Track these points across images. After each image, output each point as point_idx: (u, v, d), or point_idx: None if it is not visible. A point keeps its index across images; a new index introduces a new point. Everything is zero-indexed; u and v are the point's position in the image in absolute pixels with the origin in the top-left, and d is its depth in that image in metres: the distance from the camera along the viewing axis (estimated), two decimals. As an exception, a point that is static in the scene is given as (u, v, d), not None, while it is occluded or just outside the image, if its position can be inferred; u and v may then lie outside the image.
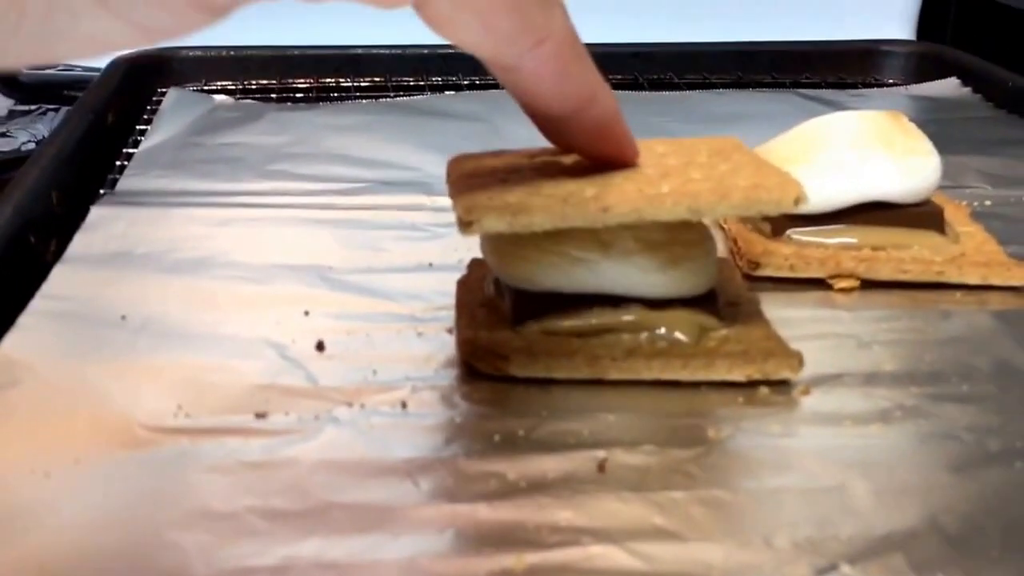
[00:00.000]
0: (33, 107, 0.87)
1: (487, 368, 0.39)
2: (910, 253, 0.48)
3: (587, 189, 0.37)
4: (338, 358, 0.40)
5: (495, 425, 0.36)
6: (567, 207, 0.36)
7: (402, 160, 0.63)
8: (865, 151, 0.48)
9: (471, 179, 0.39)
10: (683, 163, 0.39)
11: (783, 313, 0.44)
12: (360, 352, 0.41)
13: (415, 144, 0.65)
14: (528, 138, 0.58)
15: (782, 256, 0.48)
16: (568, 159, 0.40)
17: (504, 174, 0.39)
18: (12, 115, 0.86)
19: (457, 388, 0.38)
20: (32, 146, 0.79)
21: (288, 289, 0.46)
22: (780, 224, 0.49)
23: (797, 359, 0.39)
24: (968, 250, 0.48)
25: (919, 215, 0.49)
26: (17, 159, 0.73)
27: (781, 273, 0.47)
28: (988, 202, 0.57)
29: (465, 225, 0.35)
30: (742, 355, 0.39)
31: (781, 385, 0.39)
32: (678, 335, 0.39)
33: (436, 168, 0.60)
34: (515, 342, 0.39)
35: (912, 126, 0.50)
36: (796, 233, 0.49)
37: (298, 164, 0.62)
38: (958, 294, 0.47)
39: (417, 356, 0.41)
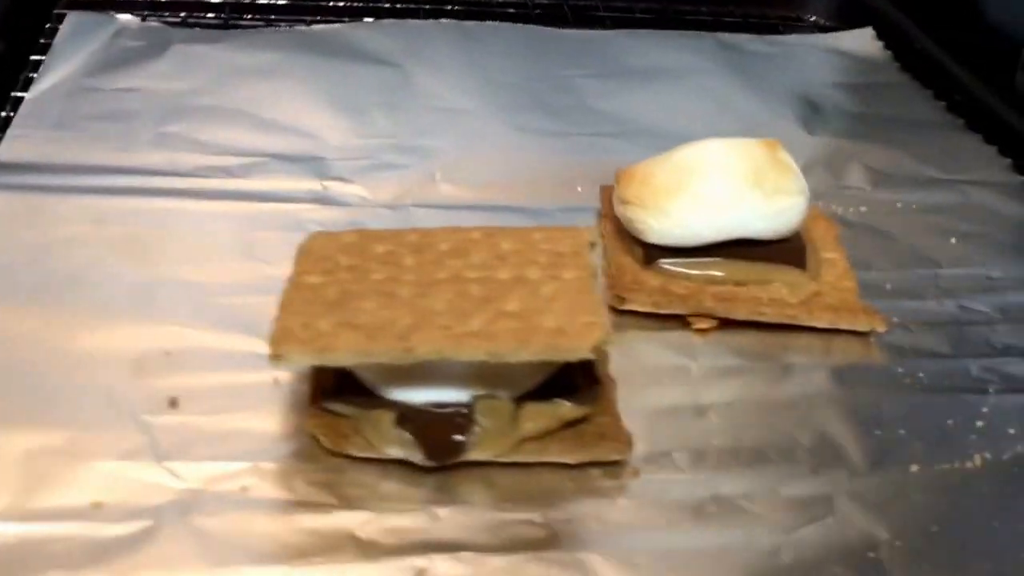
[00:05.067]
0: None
1: (329, 445, 0.41)
2: (768, 292, 0.50)
3: (404, 318, 0.39)
4: (188, 425, 0.41)
5: (328, 522, 0.38)
6: (372, 344, 0.38)
7: (304, 124, 0.63)
8: (736, 189, 0.49)
9: (307, 290, 0.41)
10: (512, 278, 0.41)
11: (636, 364, 0.47)
12: (211, 411, 0.42)
13: (320, 101, 0.65)
14: (435, 93, 0.64)
15: (648, 290, 0.50)
16: (418, 259, 0.42)
17: (343, 283, 0.41)
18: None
19: (299, 467, 0.40)
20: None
21: (155, 317, 0.46)
22: (651, 252, 0.51)
23: (626, 442, 0.41)
24: (824, 288, 0.51)
25: (782, 251, 0.51)
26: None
27: (645, 309, 0.50)
28: (863, 208, 0.59)
29: (273, 358, 0.37)
30: (575, 438, 0.41)
31: (613, 466, 0.41)
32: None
33: (337, 138, 0.61)
34: (363, 422, 0.41)
35: (785, 159, 0.51)
36: (665, 263, 0.51)
37: (194, 125, 0.61)
38: (808, 337, 0.49)
39: (268, 416, 0.42)
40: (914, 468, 0.43)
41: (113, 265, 0.49)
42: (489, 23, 0.77)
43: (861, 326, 0.49)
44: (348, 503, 0.39)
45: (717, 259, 0.51)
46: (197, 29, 0.73)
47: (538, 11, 0.81)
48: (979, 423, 0.45)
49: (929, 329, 0.50)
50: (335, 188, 0.57)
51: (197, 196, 0.55)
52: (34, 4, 0.73)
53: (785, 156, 0.51)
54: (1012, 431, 0.45)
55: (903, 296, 0.52)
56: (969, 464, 0.43)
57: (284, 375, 0.44)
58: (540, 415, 0.41)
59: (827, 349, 0.49)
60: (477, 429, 0.40)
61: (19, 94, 0.63)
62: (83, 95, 0.63)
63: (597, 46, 0.75)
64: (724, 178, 0.50)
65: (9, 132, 0.59)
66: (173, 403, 0.42)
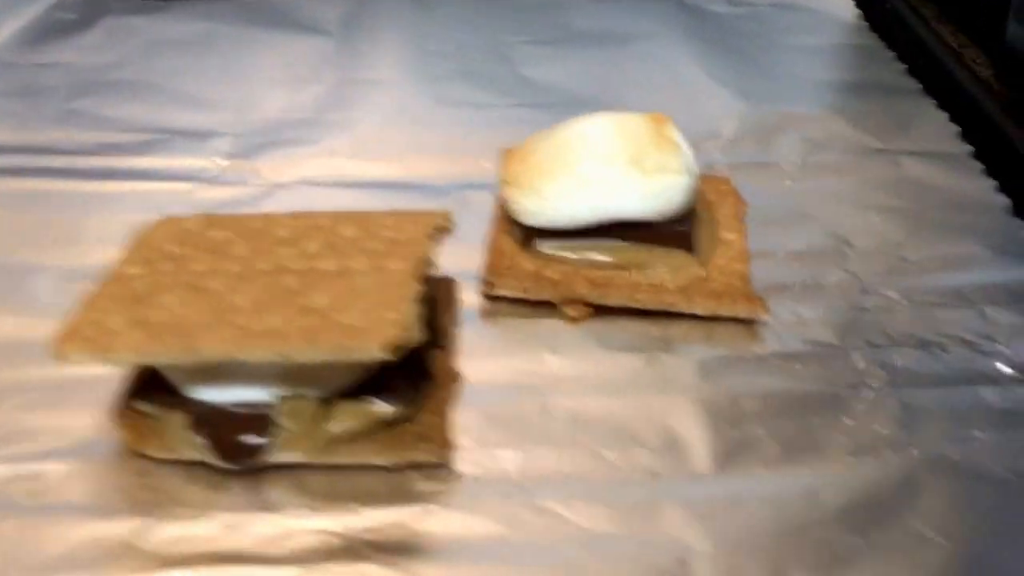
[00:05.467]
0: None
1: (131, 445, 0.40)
2: (648, 277, 0.47)
3: (200, 315, 0.37)
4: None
5: (111, 530, 0.36)
6: (155, 344, 0.36)
7: (216, 98, 0.61)
8: (614, 168, 0.47)
9: (119, 283, 0.39)
10: (335, 269, 0.40)
11: (492, 356, 0.45)
12: (28, 407, 0.41)
13: (240, 74, 0.64)
14: (363, 64, 0.64)
15: (520, 275, 0.47)
16: (250, 247, 0.41)
17: (157, 276, 0.39)
18: None
19: (103, 469, 0.39)
20: None
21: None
22: (529, 235, 0.49)
23: (444, 445, 0.39)
24: (712, 272, 0.48)
25: (668, 233, 0.48)
26: None
27: (515, 295, 0.47)
28: (787, 182, 0.56)
29: (56, 357, 0.36)
30: (391, 439, 0.39)
31: (436, 469, 0.39)
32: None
33: (247, 113, 0.59)
34: (162, 423, 0.40)
35: (673, 136, 0.48)
36: (544, 246, 0.48)
37: (105, 100, 0.61)
38: (689, 325, 0.46)
39: (88, 414, 0.41)
40: (761, 472, 0.40)
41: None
42: (438, -11, 0.74)
43: (743, 313, 0.46)
44: (141, 509, 0.37)
45: (597, 241, 0.48)
46: (137, 0, 0.72)
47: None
48: (848, 422, 0.42)
49: (822, 316, 0.47)
50: (232, 166, 0.56)
51: (86, 176, 0.55)
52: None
53: (672, 132, 0.48)
54: (884, 432, 0.41)
55: (804, 279, 0.49)
56: (824, 470, 0.40)
57: (112, 370, 0.42)
58: (351, 415, 0.39)
59: (707, 338, 0.46)
60: (280, 430, 0.38)
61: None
62: (2, 71, 0.63)
63: (547, 10, 0.72)
64: (601, 157, 0.47)
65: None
66: None
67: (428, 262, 0.42)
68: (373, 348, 0.36)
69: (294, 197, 0.54)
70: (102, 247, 0.48)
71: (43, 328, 0.39)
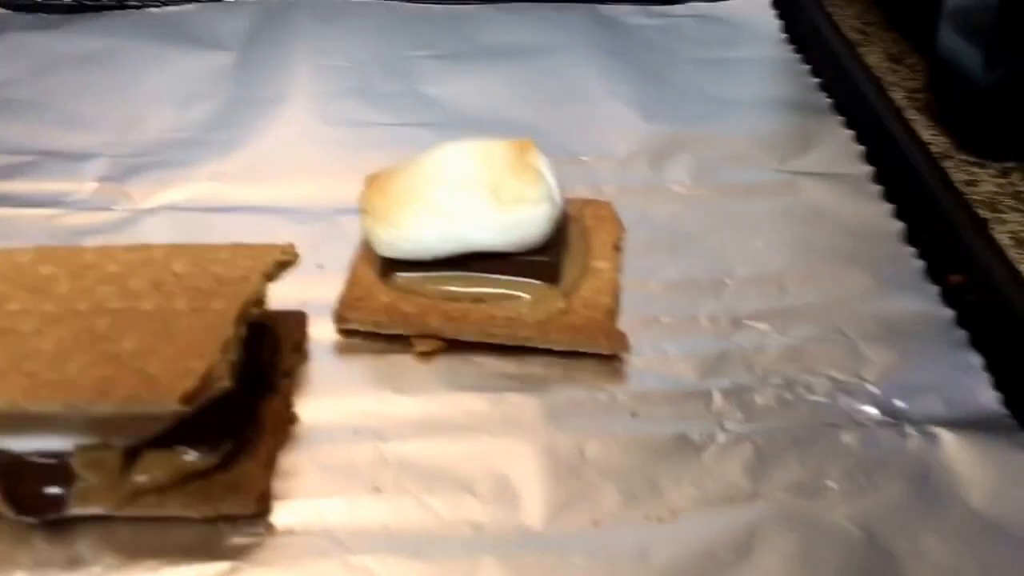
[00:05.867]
0: None
1: None
2: (505, 311, 0.45)
3: None
4: None
5: None
6: None
7: (98, 118, 0.60)
8: (468, 198, 0.45)
9: None
10: (152, 310, 0.38)
11: (333, 396, 0.43)
12: None
13: (128, 92, 0.62)
14: (257, 81, 0.62)
15: (373, 308, 0.45)
16: (73, 285, 0.39)
17: None
18: None
19: None
20: None
21: None
22: (388, 265, 0.47)
23: (257, 496, 0.37)
24: (576, 304, 0.46)
25: (529, 264, 0.46)
26: None
27: (367, 329, 0.45)
28: (674, 206, 0.53)
29: None
30: (202, 490, 0.37)
31: (252, 521, 0.37)
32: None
33: (127, 133, 0.58)
34: None
35: (535, 163, 0.46)
36: (401, 276, 0.46)
37: (-15, 121, 0.59)
38: (547, 361, 0.44)
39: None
40: (593, 527, 0.37)
41: None
42: (351, 1, 0.72)
43: (602, 349, 0.44)
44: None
45: (454, 273, 0.46)
46: (41, 15, 0.70)
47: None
48: (695, 469, 0.40)
49: (688, 352, 0.45)
50: (101, 190, 0.54)
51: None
52: None
53: (534, 159, 0.46)
54: (732, 480, 0.39)
55: (676, 311, 0.47)
56: (660, 524, 0.38)
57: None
58: (157, 466, 0.37)
59: (564, 377, 0.44)
60: (80, 481, 0.36)
61: None
62: None
63: (455, 23, 0.70)
64: (456, 186, 0.45)
65: None
66: None
67: (256, 302, 0.40)
68: (168, 401, 0.34)
69: (159, 224, 0.52)
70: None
71: None
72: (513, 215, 0.45)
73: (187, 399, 0.34)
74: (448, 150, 0.46)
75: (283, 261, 0.42)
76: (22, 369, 0.35)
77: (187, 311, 0.38)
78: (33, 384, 0.35)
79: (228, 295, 0.39)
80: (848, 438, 0.41)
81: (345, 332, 0.46)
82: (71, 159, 0.56)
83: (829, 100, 0.61)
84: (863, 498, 0.38)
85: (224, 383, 0.35)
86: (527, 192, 0.45)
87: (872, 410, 0.42)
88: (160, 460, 0.37)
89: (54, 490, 0.36)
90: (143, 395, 0.34)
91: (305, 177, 0.55)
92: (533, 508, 0.38)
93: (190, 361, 0.35)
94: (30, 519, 0.37)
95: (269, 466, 0.39)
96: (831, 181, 0.55)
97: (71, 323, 0.38)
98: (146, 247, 0.42)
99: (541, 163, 0.46)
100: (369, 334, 0.46)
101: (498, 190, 0.45)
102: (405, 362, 0.45)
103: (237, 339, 0.37)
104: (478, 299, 0.46)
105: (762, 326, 0.46)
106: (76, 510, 0.37)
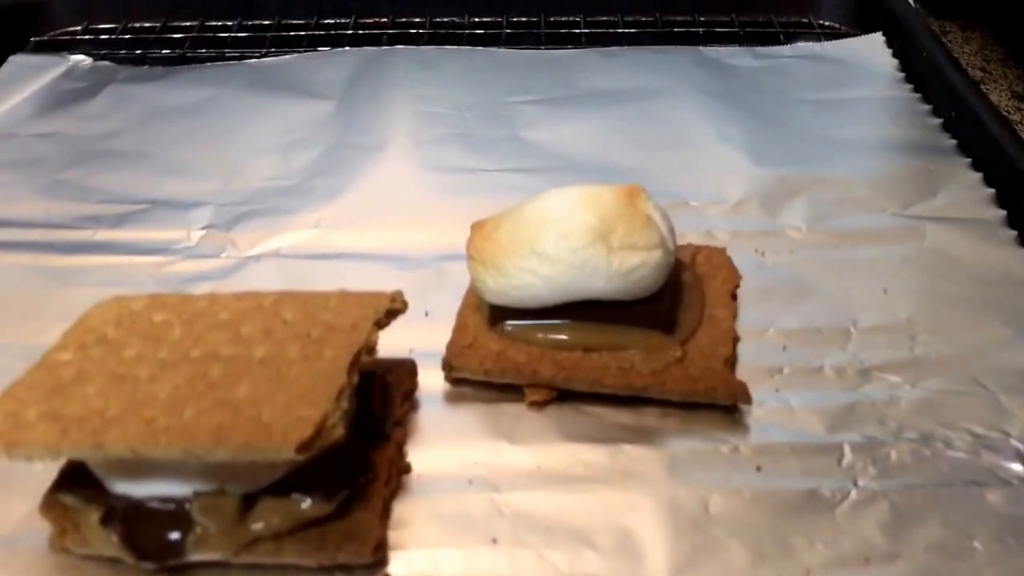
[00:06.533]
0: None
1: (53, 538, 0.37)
2: (619, 360, 0.43)
3: (114, 407, 0.35)
4: None
5: None
6: (63, 439, 0.34)
7: (203, 167, 0.60)
8: (578, 246, 0.43)
9: (46, 369, 0.38)
10: (264, 357, 0.37)
11: (444, 445, 0.41)
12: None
13: (231, 141, 0.62)
14: (359, 128, 0.62)
15: (482, 357, 0.44)
16: (185, 332, 0.39)
17: (86, 362, 0.38)
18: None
19: (23, 562, 0.37)
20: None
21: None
22: (497, 312, 0.45)
23: (373, 546, 0.36)
24: (692, 354, 0.44)
25: (643, 312, 0.44)
26: None
27: (476, 377, 0.44)
28: (791, 252, 0.51)
29: None
30: (318, 538, 0.36)
31: (368, 570, 0.36)
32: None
33: (232, 181, 0.57)
34: (80, 516, 0.37)
35: (646, 209, 0.44)
36: (511, 324, 0.45)
37: (93, 170, 0.59)
38: (664, 412, 0.43)
39: (20, 501, 0.39)
40: (722, 586, 0.35)
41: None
42: (449, 48, 0.72)
43: (722, 400, 0.42)
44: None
45: (565, 322, 0.44)
46: (145, 67, 0.71)
47: (509, 31, 0.75)
48: (828, 527, 0.37)
49: (813, 404, 0.42)
50: (207, 237, 0.54)
51: (58, 250, 0.53)
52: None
53: (646, 205, 0.44)
54: (869, 539, 0.37)
55: (798, 362, 0.45)
56: (794, 584, 0.35)
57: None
58: (274, 513, 0.36)
59: (681, 428, 0.42)
60: (196, 528, 0.36)
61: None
62: (-3, 144, 0.62)
63: (555, 68, 0.69)
64: (564, 233, 0.43)
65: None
66: None
67: (368, 350, 0.39)
68: (284, 449, 0.33)
69: (265, 271, 0.51)
70: (59, 324, 0.46)
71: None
72: (623, 263, 0.43)
73: (302, 448, 0.33)
74: (555, 196, 0.45)
75: (393, 309, 0.41)
76: (141, 415, 0.35)
77: (298, 358, 0.37)
78: (151, 430, 0.34)
79: (339, 343, 0.38)
80: (993, 496, 0.38)
81: (455, 381, 0.44)
82: (178, 207, 0.56)
83: (952, 141, 0.59)
84: (1013, 561, 0.36)
85: (338, 432, 0.34)
86: (639, 239, 0.43)
87: (1018, 467, 0.39)
88: (277, 507, 0.36)
89: (172, 536, 0.36)
90: (258, 443, 0.33)
91: (408, 224, 0.55)
92: (657, 564, 0.36)
93: (304, 409, 0.35)
94: (149, 565, 0.36)
95: (384, 515, 0.38)
96: (960, 226, 0.52)
97: (184, 370, 0.37)
98: (255, 294, 0.42)
99: (652, 208, 0.44)
100: (478, 382, 0.44)
101: (608, 237, 0.43)
102: (516, 411, 0.43)
103: (350, 387, 0.36)
104: (589, 348, 0.44)
105: (893, 378, 0.44)
106: (194, 556, 0.36)
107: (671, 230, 0.44)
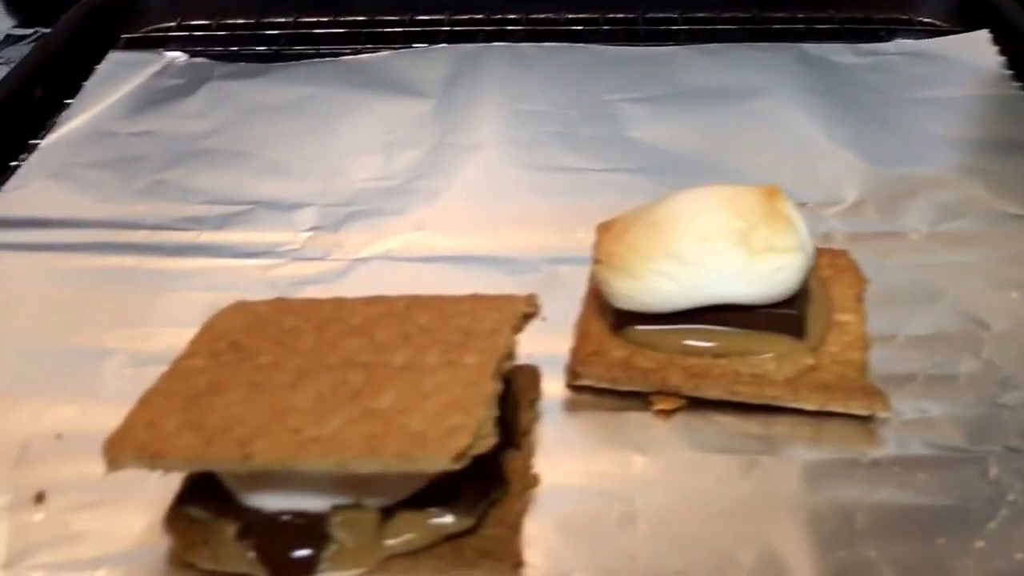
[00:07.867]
0: (30, 31, 0.86)
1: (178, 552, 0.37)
2: (750, 367, 0.42)
3: (256, 417, 0.34)
4: (46, 524, 0.39)
5: None
6: (208, 450, 0.34)
7: (304, 166, 0.59)
8: (718, 248, 0.42)
9: (180, 377, 0.37)
10: (404, 364, 0.37)
11: (572, 455, 0.41)
12: (79, 507, 0.39)
13: (332, 139, 0.62)
14: (459, 127, 0.62)
15: (608, 364, 0.43)
16: (317, 338, 0.38)
17: (221, 369, 0.37)
18: (8, 39, 0.84)
19: None
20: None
21: (60, 393, 0.44)
22: (621, 318, 0.44)
23: (513, 563, 0.36)
24: (824, 360, 0.43)
25: (775, 317, 0.43)
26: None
27: (602, 385, 0.43)
28: (914, 255, 0.50)
29: (107, 463, 0.34)
30: (453, 554, 0.36)
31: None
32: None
33: (334, 181, 0.57)
34: (210, 531, 0.37)
35: (784, 210, 0.43)
36: (636, 330, 0.44)
37: (194, 170, 0.59)
38: (795, 421, 0.41)
39: (140, 514, 0.39)
40: (874, 605, 0.34)
41: (37, 332, 0.47)
42: (546, 44, 0.71)
43: (858, 409, 0.41)
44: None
45: (695, 327, 0.43)
46: (241, 64, 0.71)
47: (607, 27, 0.74)
48: (979, 544, 0.36)
49: (952, 413, 0.41)
50: (313, 239, 0.54)
51: (163, 252, 0.53)
52: (87, 46, 0.72)
53: (785, 206, 0.43)
54: (1020, 556, 0.35)
55: (931, 369, 0.43)
56: (949, 603, 0.34)
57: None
58: (411, 528, 0.36)
59: (815, 439, 0.41)
60: (333, 543, 0.35)
61: (37, 141, 0.62)
62: (96, 140, 0.62)
63: (655, 65, 0.68)
64: (703, 235, 0.42)
65: (9, 183, 0.58)
66: (39, 497, 0.40)
67: (509, 356, 0.38)
68: (440, 459, 0.32)
69: (373, 273, 0.51)
70: (169, 329, 0.46)
71: (103, 418, 0.36)
72: (765, 265, 0.42)
73: (459, 457, 0.32)
74: (689, 197, 0.44)
75: (528, 312, 0.40)
76: (286, 425, 0.34)
77: (439, 365, 0.36)
78: (299, 440, 0.33)
79: (480, 348, 0.37)
80: None
81: (575, 388, 0.44)
82: (281, 208, 0.56)
83: (1068, 140, 0.57)
84: None
85: (491, 440, 0.33)
86: (780, 241, 0.42)
87: None
88: (415, 522, 0.35)
89: (308, 552, 0.35)
90: (413, 452, 0.33)
91: (514, 225, 0.54)
92: (803, 584, 0.35)
93: (455, 417, 0.34)
94: None
95: (517, 530, 0.37)
96: (1086, 228, 0.50)
97: (324, 377, 0.36)
98: (384, 299, 0.41)
99: (791, 210, 0.43)
100: (600, 389, 0.43)
101: (748, 239, 0.42)
102: (641, 420, 0.42)
103: (496, 394, 0.35)
104: (718, 354, 0.43)
105: (1034, 385, 0.42)
106: (329, 573, 0.35)
107: (808, 233, 0.43)
